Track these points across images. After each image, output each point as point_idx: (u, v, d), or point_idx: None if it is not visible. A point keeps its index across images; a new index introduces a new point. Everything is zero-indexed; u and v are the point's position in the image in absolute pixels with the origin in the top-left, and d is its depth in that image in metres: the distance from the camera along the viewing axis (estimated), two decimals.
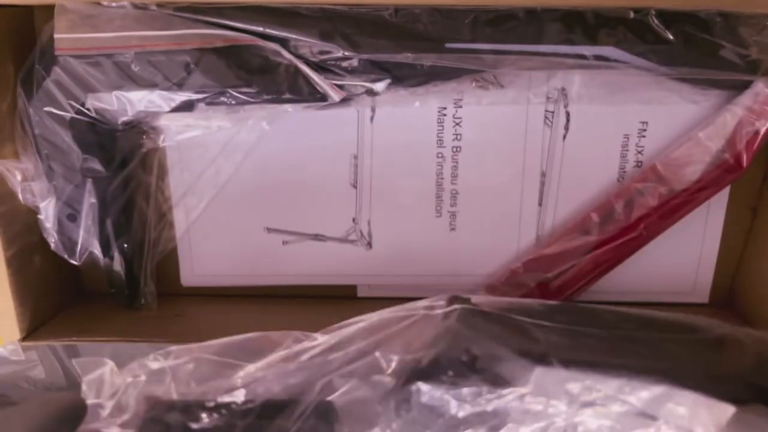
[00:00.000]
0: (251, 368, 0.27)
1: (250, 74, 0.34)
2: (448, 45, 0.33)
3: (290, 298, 0.44)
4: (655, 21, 0.33)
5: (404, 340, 0.27)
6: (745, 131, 0.36)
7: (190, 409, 0.27)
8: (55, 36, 0.33)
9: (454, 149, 0.40)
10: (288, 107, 0.36)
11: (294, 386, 0.27)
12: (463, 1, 0.32)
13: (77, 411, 0.26)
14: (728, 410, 0.22)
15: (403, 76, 0.35)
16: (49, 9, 0.33)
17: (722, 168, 0.37)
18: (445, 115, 0.39)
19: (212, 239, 0.42)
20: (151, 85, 0.34)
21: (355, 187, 0.41)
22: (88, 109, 0.35)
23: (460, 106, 0.39)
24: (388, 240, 0.42)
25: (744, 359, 0.24)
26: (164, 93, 0.34)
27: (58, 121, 0.35)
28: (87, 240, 0.38)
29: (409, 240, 0.42)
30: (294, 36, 0.33)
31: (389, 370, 0.26)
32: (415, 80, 0.35)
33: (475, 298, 0.27)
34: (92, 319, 0.41)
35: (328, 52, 0.34)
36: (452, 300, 0.27)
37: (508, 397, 0.25)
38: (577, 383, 0.24)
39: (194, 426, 0.26)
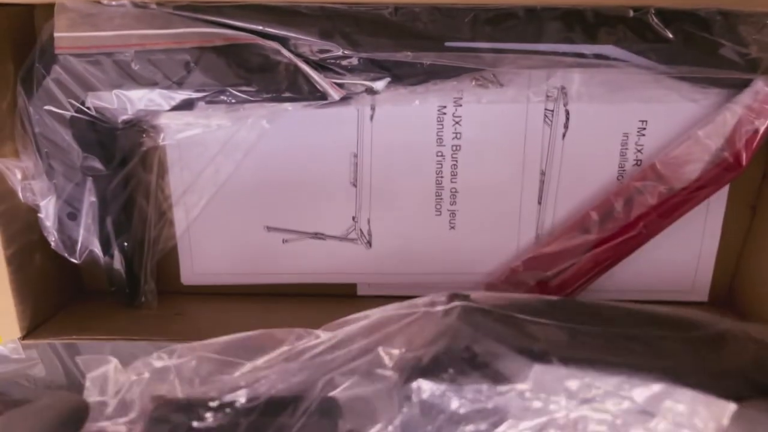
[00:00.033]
0: (255, 365, 0.27)
1: (249, 73, 0.34)
2: (448, 44, 0.33)
3: (290, 297, 0.44)
4: (655, 19, 0.33)
5: (405, 337, 0.27)
6: (744, 130, 0.36)
7: (195, 407, 0.27)
8: (55, 34, 0.33)
9: (454, 148, 0.40)
10: (288, 106, 0.36)
11: (297, 384, 0.27)
12: (462, 0, 0.32)
13: (80, 413, 0.26)
14: (728, 407, 0.22)
15: (402, 75, 0.35)
16: (49, 7, 0.33)
17: (722, 166, 0.37)
18: (444, 113, 0.39)
19: (212, 238, 0.42)
20: (151, 84, 0.34)
21: (354, 185, 0.41)
22: (88, 108, 0.35)
23: (460, 105, 0.39)
24: (388, 239, 0.42)
25: (745, 355, 0.24)
26: (164, 91, 0.34)
27: (58, 119, 0.35)
28: (87, 238, 0.39)
29: (409, 239, 0.42)
30: (294, 35, 0.33)
31: (391, 367, 0.26)
32: (414, 79, 0.36)
33: (475, 295, 0.27)
34: (92, 318, 0.41)
35: (327, 51, 0.34)
36: (452, 297, 0.27)
37: (507, 394, 0.25)
38: (576, 380, 0.24)
39: (200, 424, 0.26)
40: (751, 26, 0.33)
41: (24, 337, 0.38)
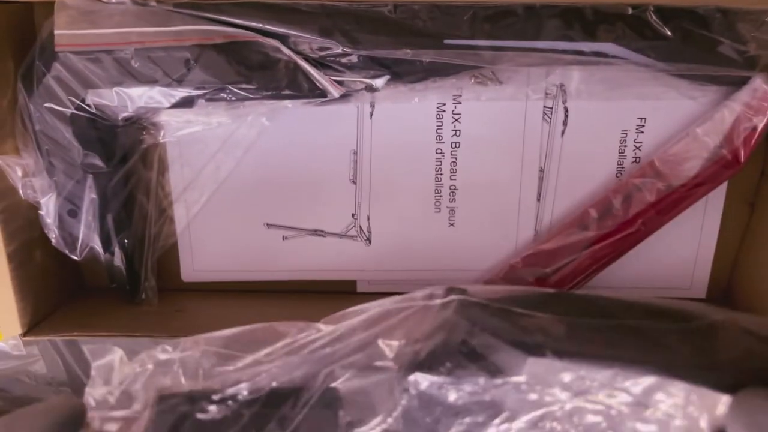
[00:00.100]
0: (257, 357, 0.27)
1: (249, 70, 0.34)
2: (447, 41, 0.33)
3: (290, 294, 0.44)
4: (654, 17, 0.33)
5: (404, 330, 0.27)
6: (742, 127, 0.36)
7: (198, 399, 0.27)
8: (55, 32, 0.33)
9: (453, 145, 0.40)
10: (287, 103, 0.36)
11: (299, 376, 0.27)
12: None
13: (77, 416, 0.26)
14: (721, 399, 0.23)
15: (402, 72, 0.35)
16: (49, 5, 0.33)
17: (720, 164, 0.37)
18: (444, 111, 0.39)
19: (212, 235, 0.43)
20: (151, 82, 0.34)
21: (354, 182, 0.41)
22: (88, 105, 0.35)
23: (459, 102, 0.39)
24: (388, 235, 0.42)
25: (738, 346, 0.24)
26: (164, 89, 0.34)
27: (58, 117, 0.35)
28: (88, 235, 0.39)
29: (409, 235, 0.42)
30: (293, 32, 0.33)
31: (390, 360, 0.27)
32: (414, 76, 0.36)
33: (472, 289, 0.28)
34: (93, 314, 0.41)
35: (327, 49, 0.34)
36: (449, 291, 0.28)
37: (504, 387, 0.25)
38: (571, 373, 0.24)
39: (203, 416, 0.27)
40: (749, 23, 0.33)
41: (25, 334, 0.38)
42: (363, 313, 0.28)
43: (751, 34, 0.34)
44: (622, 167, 0.40)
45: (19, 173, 0.37)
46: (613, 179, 0.40)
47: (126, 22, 0.33)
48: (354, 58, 0.34)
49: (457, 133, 0.40)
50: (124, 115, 0.36)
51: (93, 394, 0.27)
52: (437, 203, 0.41)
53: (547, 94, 0.39)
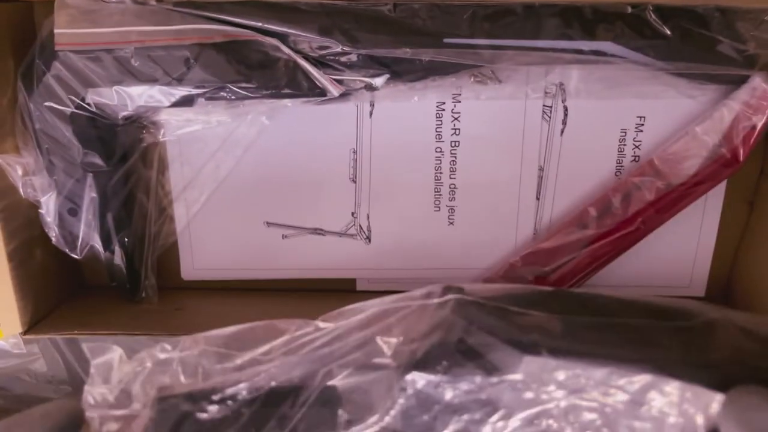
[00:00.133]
0: (256, 354, 0.28)
1: (249, 69, 0.34)
2: (447, 40, 0.34)
3: (290, 292, 0.44)
4: (653, 16, 0.33)
5: (401, 329, 0.27)
6: (742, 126, 0.36)
7: (198, 398, 0.27)
8: (55, 31, 0.33)
9: (453, 144, 0.40)
10: (287, 102, 0.36)
11: (298, 374, 0.27)
12: None
13: (76, 420, 0.26)
14: (715, 397, 0.23)
15: (401, 71, 0.35)
16: (49, 4, 0.33)
17: (719, 162, 0.37)
18: (443, 109, 0.39)
19: (212, 233, 0.43)
20: (151, 80, 0.34)
21: (354, 181, 0.41)
22: (88, 104, 0.35)
23: (459, 101, 0.39)
24: (387, 234, 0.42)
25: (732, 344, 0.25)
26: (164, 88, 0.34)
27: (58, 115, 0.35)
28: (88, 234, 0.39)
29: (408, 234, 0.42)
30: (293, 31, 0.33)
31: (388, 358, 0.27)
32: (413, 75, 0.36)
33: (469, 287, 0.28)
34: (93, 313, 0.41)
35: (327, 47, 0.34)
36: (446, 290, 0.28)
37: (500, 385, 0.25)
38: (566, 371, 0.24)
39: (203, 415, 0.27)
40: (748, 22, 0.33)
41: (25, 332, 0.38)
42: (360, 311, 0.28)
43: (750, 32, 0.34)
44: (622, 166, 0.40)
45: (20, 172, 0.37)
46: (613, 178, 0.40)
47: (126, 21, 0.33)
48: (353, 57, 0.34)
49: (457, 131, 0.40)
50: (124, 113, 0.36)
51: (92, 392, 0.27)
52: (437, 202, 0.41)
53: (546, 92, 0.39)
